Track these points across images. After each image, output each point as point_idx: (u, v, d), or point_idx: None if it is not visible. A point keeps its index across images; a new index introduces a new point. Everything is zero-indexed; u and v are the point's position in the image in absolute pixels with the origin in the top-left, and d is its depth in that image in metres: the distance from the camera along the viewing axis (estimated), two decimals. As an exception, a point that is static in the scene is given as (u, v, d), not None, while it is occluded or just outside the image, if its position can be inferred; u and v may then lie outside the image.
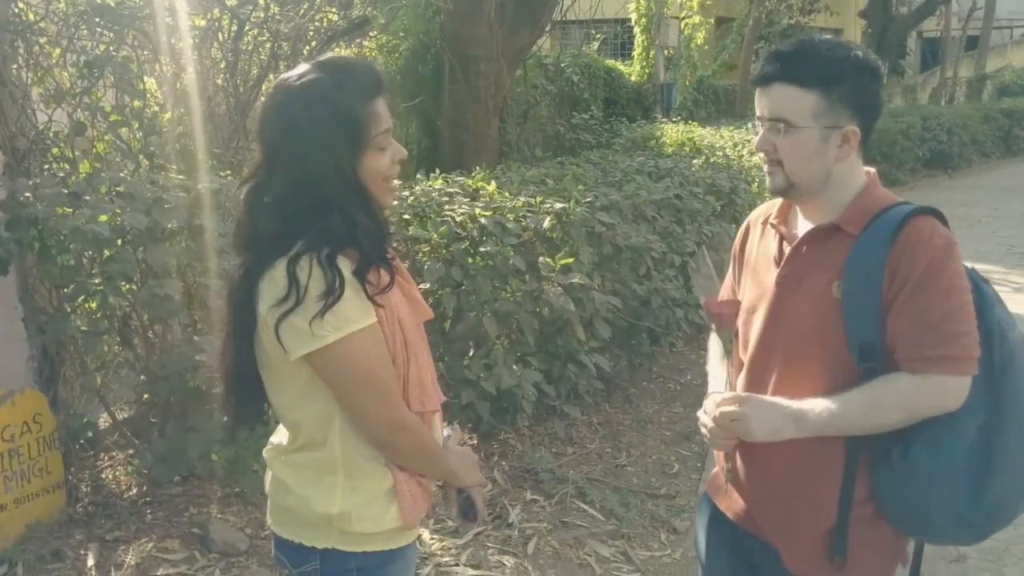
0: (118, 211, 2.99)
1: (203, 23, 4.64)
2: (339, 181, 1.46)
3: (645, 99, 12.77)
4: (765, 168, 1.67)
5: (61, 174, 3.45)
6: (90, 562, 2.95)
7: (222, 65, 4.74)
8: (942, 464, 1.50)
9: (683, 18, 14.02)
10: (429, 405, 1.62)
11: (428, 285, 3.63)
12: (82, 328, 3.23)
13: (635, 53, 13.43)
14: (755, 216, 1.88)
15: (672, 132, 8.44)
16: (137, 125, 3.95)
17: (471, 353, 3.89)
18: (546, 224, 4.03)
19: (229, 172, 3.89)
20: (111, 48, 4.02)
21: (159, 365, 3.22)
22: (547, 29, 9.26)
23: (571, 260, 3.97)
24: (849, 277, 1.56)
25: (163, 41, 4.24)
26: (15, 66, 3.57)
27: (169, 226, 3.11)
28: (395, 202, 3.76)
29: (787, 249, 1.69)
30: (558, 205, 4.17)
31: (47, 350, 3.37)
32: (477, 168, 5.21)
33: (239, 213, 1.56)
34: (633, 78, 12.99)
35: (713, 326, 1.81)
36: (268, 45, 4.92)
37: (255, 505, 3.27)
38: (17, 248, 3.05)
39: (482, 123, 7.65)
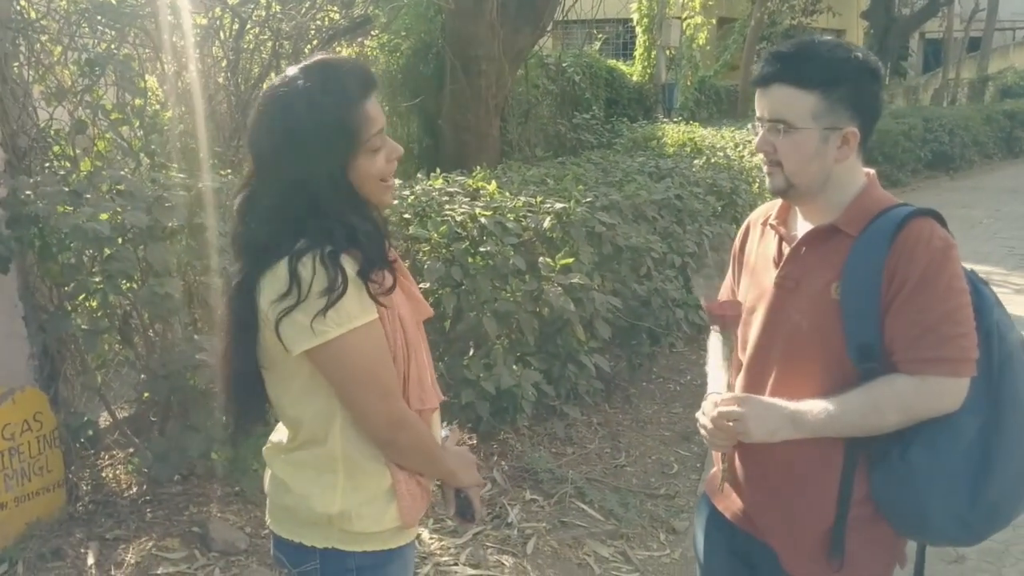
0: (119, 209, 3.00)
1: (204, 21, 4.65)
2: (330, 187, 1.46)
3: (647, 99, 12.78)
4: (765, 169, 1.67)
5: (62, 172, 3.45)
6: (90, 560, 2.95)
7: (223, 64, 4.75)
8: (940, 465, 1.50)
9: (685, 18, 14.03)
10: (428, 403, 1.62)
11: (428, 284, 3.63)
12: (83, 326, 3.23)
13: (637, 53, 13.43)
14: (755, 217, 1.88)
15: (673, 132, 8.44)
16: (138, 123, 3.95)
17: (471, 353, 3.89)
18: (546, 224, 4.04)
19: (230, 171, 3.90)
20: (112, 46, 4.02)
21: (159, 364, 3.22)
22: (549, 29, 9.26)
23: (571, 260, 3.98)
24: (848, 278, 1.56)
25: (164, 39, 4.25)
26: (16, 64, 3.58)
27: (170, 224, 3.11)
28: (395, 201, 3.79)
29: (786, 250, 1.69)
30: (558, 205, 4.18)
31: (48, 348, 3.38)
32: (478, 168, 5.22)
33: (234, 222, 1.56)
34: (635, 78, 13.00)
35: (716, 328, 1.81)
36: (270, 44, 4.92)
37: (255, 504, 3.27)
38: (18, 246, 3.06)
39: (483, 123, 7.66)
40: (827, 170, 1.61)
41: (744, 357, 1.75)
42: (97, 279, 3.09)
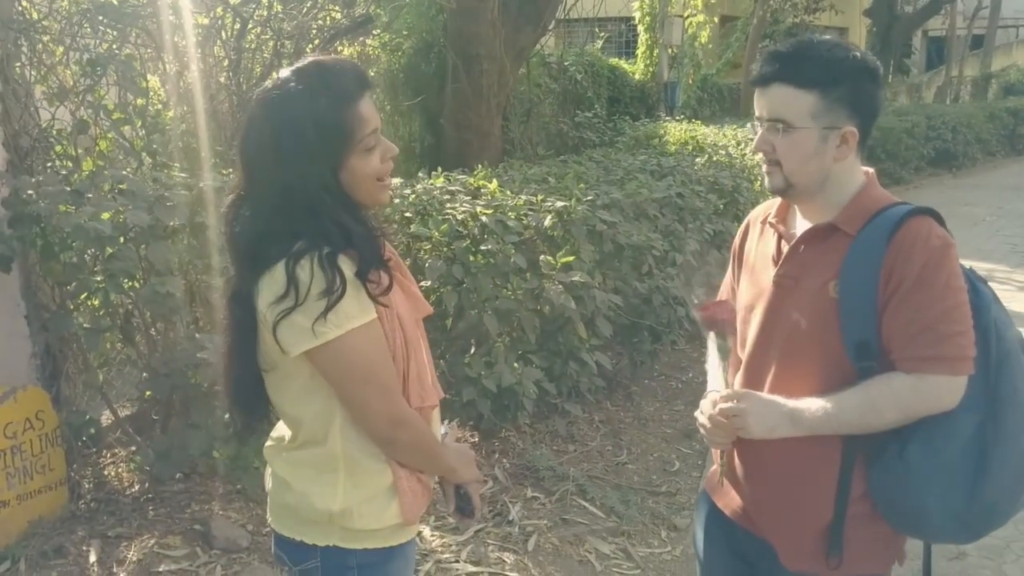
0: (120, 209, 3.01)
1: (206, 21, 4.66)
2: (322, 190, 1.46)
3: (649, 97, 12.77)
4: (764, 168, 1.67)
5: (64, 172, 3.46)
6: (92, 558, 2.96)
7: (225, 63, 4.76)
8: (938, 463, 1.50)
9: (687, 16, 14.01)
10: (428, 400, 1.63)
11: (429, 283, 3.64)
12: (84, 325, 3.24)
13: (639, 51, 13.42)
14: (755, 215, 1.89)
15: (675, 130, 8.44)
16: (140, 123, 3.96)
17: (472, 351, 3.90)
18: (547, 222, 4.04)
19: (231, 170, 3.90)
20: (114, 46, 4.04)
21: (161, 362, 3.23)
22: (550, 27, 9.27)
23: (572, 258, 3.98)
24: (846, 277, 1.57)
25: (166, 39, 4.26)
26: (18, 64, 3.59)
27: (171, 224, 3.12)
28: (396, 200, 3.79)
29: (785, 248, 1.69)
30: (559, 203, 4.18)
31: (50, 347, 3.39)
32: (480, 166, 5.22)
33: (225, 225, 1.55)
34: (637, 76, 12.99)
35: (710, 332, 1.80)
36: (271, 43, 4.93)
37: (257, 502, 3.28)
38: (20, 245, 3.07)
39: (485, 121, 7.66)
40: (826, 169, 1.61)
41: (743, 355, 1.76)
42: (99, 278, 3.10)
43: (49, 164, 3.61)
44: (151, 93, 4.29)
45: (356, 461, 1.56)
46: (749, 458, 1.72)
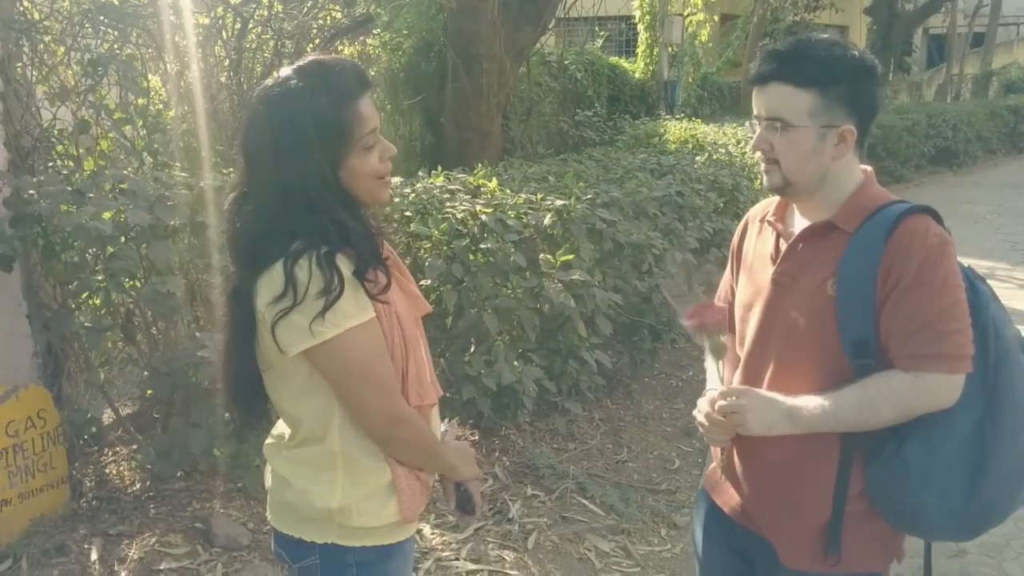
0: (121, 208, 3.02)
1: (207, 21, 4.67)
2: (322, 187, 1.47)
3: (649, 96, 12.77)
4: (762, 167, 1.68)
5: (65, 171, 3.47)
6: (93, 556, 2.97)
7: (226, 63, 4.77)
8: (936, 461, 1.51)
9: (687, 15, 14.00)
10: (427, 399, 1.63)
11: (429, 281, 3.65)
12: (86, 324, 3.25)
13: (639, 50, 13.41)
14: (753, 213, 1.89)
15: (675, 129, 8.44)
16: (141, 123, 3.97)
17: (472, 349, 3.90)
18: (547, 221, 4.05)
19: (232, 169, 3.91)
20: (115, 46, 4.04)
21: (162, 361, 3.24)
22: (550, 26, 9.26)
23: (571, 257, 3.99)
24: (844, 275, 1.57)
25: (167, 39, 4.27)
26: (20, 64, 3.60)
27: (172, 223, 3.13)
28: (394, 199, 3.80)
29: (783, 246, 1.70)
30: (559, 202, 4.18)
31: (51, 346, 3.40)
32: (480, 165, 5.23)
33: (226, 223, 1.56)
34: (637, 75, 12.98)
35: (701, 337, 1.81)
36: (272, 43, 4.94)
37: (257, 500, 3.29)
38: (21, 245, 3.08)
39: (485, 120, 7.66)
40: (824, 168, 1.62)
41: (741, 353, 1.76)
42: (100, 277, 3.11)
43: (50, 164, 3.62)
44: (152, 93, 4.30)
45: (354, 459, 1.56)
46: (748, 456, 1.73)
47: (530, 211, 4.08)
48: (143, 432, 3.51)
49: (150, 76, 4.41)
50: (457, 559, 3.13)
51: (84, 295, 3.26)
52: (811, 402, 1.57)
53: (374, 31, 7.18)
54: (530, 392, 3.75)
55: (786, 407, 1.58)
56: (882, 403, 1.52)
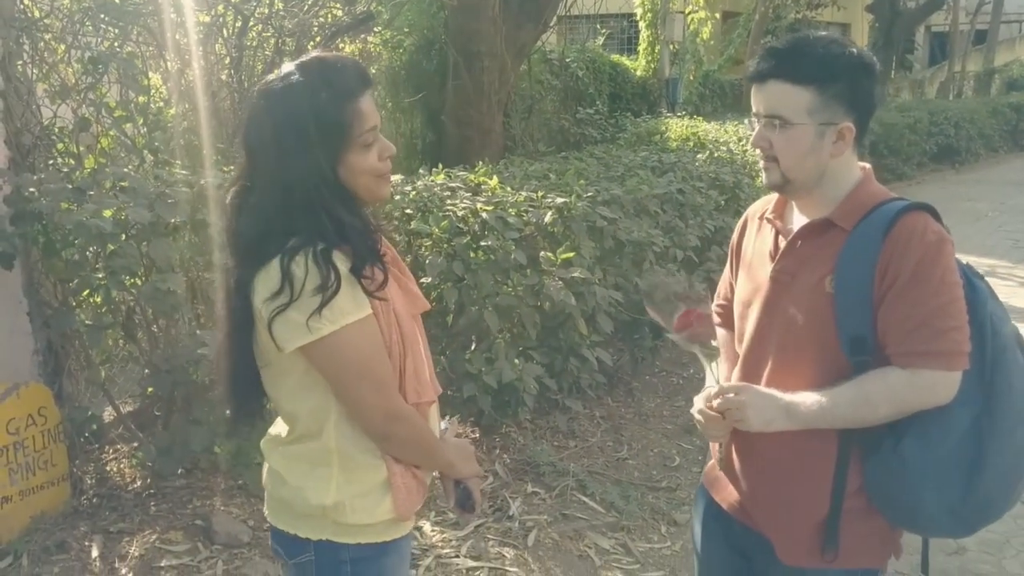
0: (122, 206, 3.02)
1: (207, 19, 4.67)
2: (321, 183, 1.47)
3: (650, 94, 12.75)
4: (761, 164, 1.68)
5: (66, 169, 3.48)
6: (94, 553, 2.98)
7: (226, 61, 4.77)
8: (933, 457, 1.51)
9: (689, 13, 13.99)
10: (425, 396, 1.63)
11: (430, 279, 3.65)
12: (86, 322, 3.26)
13: (640, 48, 13.39)
14: (753, 210, 1.89)
15: (677, 127, 8.43)
16: (141, 121, 3.98)
17: (473, 347, 3.91)
18: (548, 219, 4.05)
19: (232, 167, 3.91)
20: (116, 44, 4.05)
21: (163, 359, 3.24)
22: (552, 24, 9.25)
23: (572, 254, 3.99)
24: (841, 272, 1.57)
25: (168, 37, 4.27)
26: (20, 62, 3.60)
27: (172, 221, 3.13)
28: (395, 196, 3.80)
29: (782, 244, 1.70)
30: (560, 200, 4.18)
31: (52, 344, 3.40)
32: (480, 163, 5.23)
33: (226, 217, 1.56)
34: (638, 73, 12.97)
35: (693, 344, 1.81)
36: (272, 41, 4.95)
37: (258, 497, 3.29)
38: (22, 243, 3.08)
39: (486, 118, 7.65)
40: (823, 165, 1.62)
41: (740, 349, 1.77)
42: (101, 275, 3.11)
43: (51, 162, 3.62)
44: (153, 91, 4.31)
45: (350, 456, 1.56)
46: (745, 452, 1.73)
47: (531, 209, 4.08)
48: (144, 429, 3.52)
49: (151, 74, 4.41)
50: (457, 556, 3.13)
51: (85, 293, 3.27)
52: (808, 398, 1.57)
53: (375, 29, 7.18)
54: (531, 390, 3.75)
55: (784, 403, 1.59)
56: (879, 400, 1.53)
